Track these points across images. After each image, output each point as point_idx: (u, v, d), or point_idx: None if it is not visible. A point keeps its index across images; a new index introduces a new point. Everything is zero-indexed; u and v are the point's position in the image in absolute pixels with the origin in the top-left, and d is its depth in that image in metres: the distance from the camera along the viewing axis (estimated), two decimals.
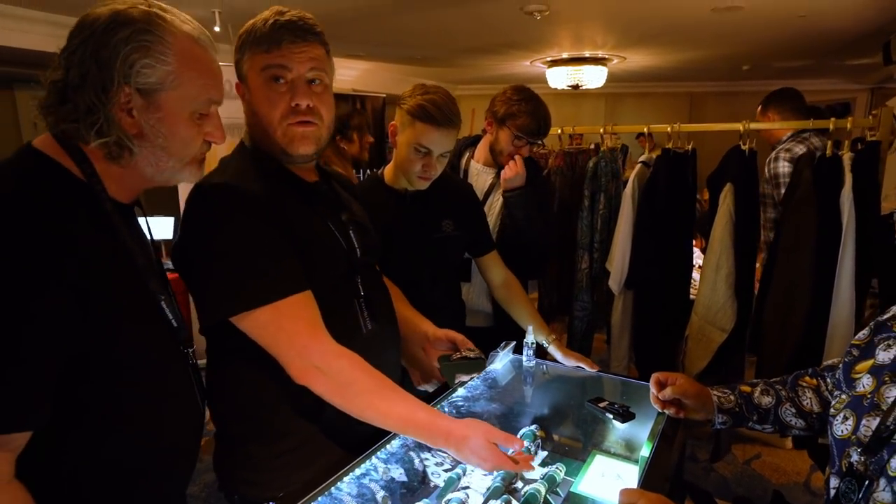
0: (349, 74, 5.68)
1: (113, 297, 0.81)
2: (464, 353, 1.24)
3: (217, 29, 3.23)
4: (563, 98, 6.44)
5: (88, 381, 0.81)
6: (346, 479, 1.02)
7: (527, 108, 1.77)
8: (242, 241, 0.96)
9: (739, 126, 2.01)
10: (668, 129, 2.10)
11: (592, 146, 2.57)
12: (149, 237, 0.97)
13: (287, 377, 0.98)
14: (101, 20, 0.79)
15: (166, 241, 4.18)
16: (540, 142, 1.83)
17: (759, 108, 2.58)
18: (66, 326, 0.75)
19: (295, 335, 0.96)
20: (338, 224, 1.13)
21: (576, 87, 5.41)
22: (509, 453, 0.98)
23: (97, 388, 0.82)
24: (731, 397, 1.19)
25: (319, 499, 0.96)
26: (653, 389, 1.25)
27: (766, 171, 2.35)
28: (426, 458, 1.16)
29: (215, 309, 0.97)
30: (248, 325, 0.96)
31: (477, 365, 1.25)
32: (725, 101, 6.78)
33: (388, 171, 1.56)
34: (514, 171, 1.79)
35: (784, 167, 2.27)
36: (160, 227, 4.01)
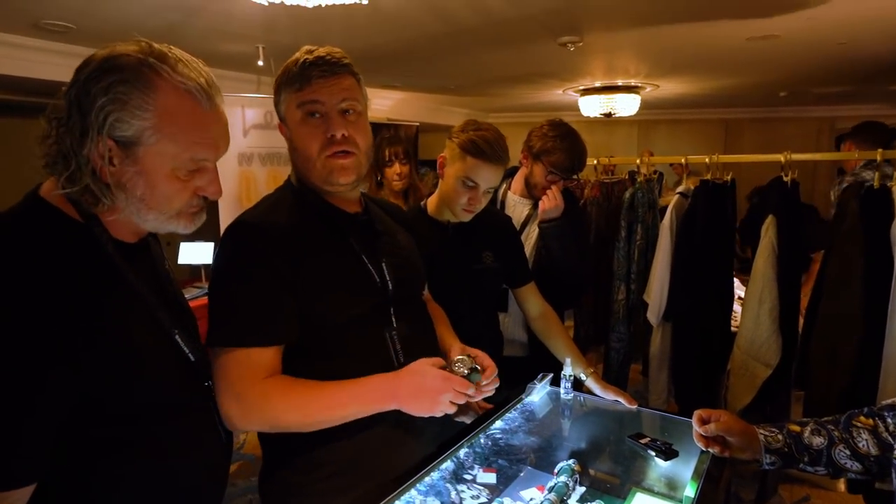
0: (384, 104, 5.82)
1: (120, 339, 0.80)
2: (453, 367, 1.13)
3: (261, 63, 3.39)
4: (596, 126, 6.44)
5: (105, 424, 0.80)
6: None
7: (562, 146, 1.80)
8: (231, 282, 1.02)
9: (781, 157, 1.98)
10: (707, 160, 2.08)
11: (627, 175, 2.57)
12: (168, 268, 1.01)
13: None
14: (92, 64, 0.77)
15: (206, 266, 4.33)
16: (574, 177, 1.85)
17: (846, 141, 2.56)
18: (63, 382, 0.74)
19: (236, 382, 0.97)
20: (372, 256, 1.13)
21: (608, 115, 5.41)
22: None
23: (114, 430, 0.81)
24: (780, 437, 1.14)
25: None
26: (696, 426, 1.22)
27: (832, 195, 2.32)
28: (462, 491, 1.15)
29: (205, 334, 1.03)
30: (213, 359, 0.99)
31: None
32: (762, 128, 6.67)
33: (431, 202, 1.60)
34: (552, 202, 1.81)
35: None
36: (200, 253, 4.14)
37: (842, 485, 2.59)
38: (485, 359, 1.16)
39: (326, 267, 1.07)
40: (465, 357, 1.13)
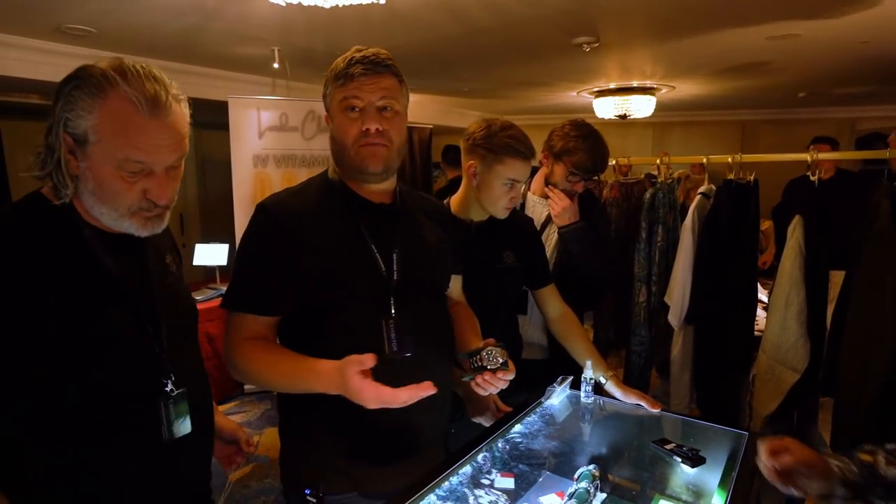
0: None
1: (79, 315, 0.90)
2: (483, 356, 1.16)
3: (276, 66, 3.41)
4: (610, 127, 6.38)
5: (65, 406, 0.90)
6: None
7: (584, 146, 1.78)
8: (241, 257, 1.18)
9: (807, 156, 1.93)
10: (729, 159, 2.04)
11: (644, 176, 2.52)
12: (171, 264, 1.11)
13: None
14: (72, 72, 0.91)
15: (221, 268, 4.35)
16: (595, 178, 1.82)
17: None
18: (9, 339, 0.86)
19: (230, 338, 1.16)
20: (383, 246, 1.18)
21: (623, 116, 5.36)
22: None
23: (73, 413, 0.91)
24: (853, 467, 1.03)
25: None
26: (766, 460, 1.07)
27: None
28: (480, 496, 1.13)
29: None
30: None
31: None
32: (780, 130, 6.57)
33: (454, 201, 1.59)
34: (559, 206, 1.79)
35: None
36: (215, 254, 4.16)
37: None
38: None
39: (332, 251, 1.14)
40: (495, 349, 1.15)
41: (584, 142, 1.78)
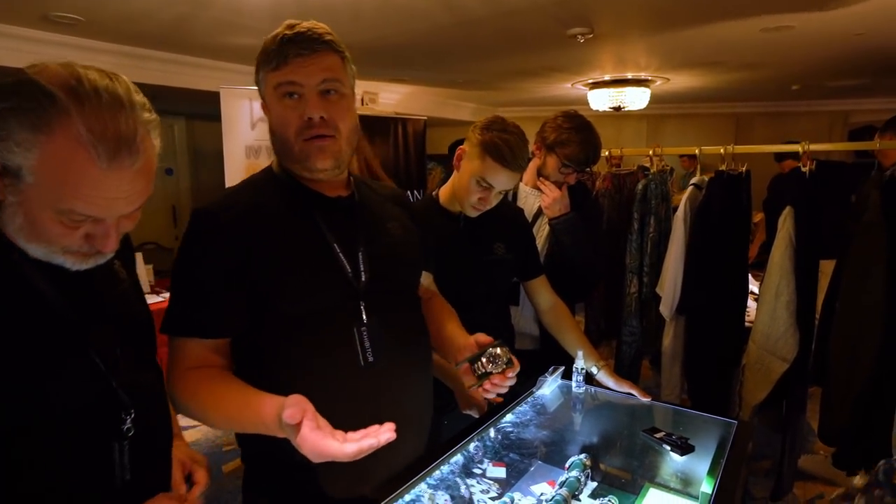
0: (392, 98, 5.80)
1: (10, 341, 0.72)
2: (486, 361, 1.05)
3: None
4: (605, 119, 6.37)
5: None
6: None
7: (577, 138, 1.77)
8: (178, 272, 1.01)
9: (798, 147, 1.93)
10: (721, 150, 2.04)
11: (637, 167, 2.52)
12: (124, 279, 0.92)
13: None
14: (11, 79, 0.69)
15: None
16: (588, 169, 1.82)
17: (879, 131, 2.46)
18: None
19: (169, 368, 1.00)
20: (346, 244, 1.04)
21: (618, 108, 5.36)
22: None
23: (12, 438, 0.72)
24: None
25: None
26: None
27: None
28: (472, 485, 1.14)
29: None
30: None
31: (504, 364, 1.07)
32: (773, 122, 6.58)
33: (443, 192, 1.58)
34: (550, 198, 1.78)
35: None
36: None
37: (858, 481, 2.55)
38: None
39: (287, 254, 1.00)
40: (497, 350, 1.04)
41: (577, 133, 1.77)
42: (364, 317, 1.02)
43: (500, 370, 1.02)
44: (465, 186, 1.46)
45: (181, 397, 0.97)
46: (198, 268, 0.99)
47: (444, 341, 1.19)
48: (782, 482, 2.09)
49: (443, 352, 1.22)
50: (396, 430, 0.94)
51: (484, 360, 1.03)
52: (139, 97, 0.74)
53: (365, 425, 0.93)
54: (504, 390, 1.04)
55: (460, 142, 1.54)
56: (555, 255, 1.83)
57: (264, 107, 1.05)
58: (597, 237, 1.92)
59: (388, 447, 0.98)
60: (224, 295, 0.98)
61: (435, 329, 1.22)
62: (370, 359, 1.02)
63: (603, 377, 1.53)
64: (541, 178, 1.84)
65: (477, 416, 1.41)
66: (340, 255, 1.03)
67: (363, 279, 1.04)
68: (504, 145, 1.39)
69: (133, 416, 0.81)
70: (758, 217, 2.93)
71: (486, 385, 1.01)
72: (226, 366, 1.01)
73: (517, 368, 1.03)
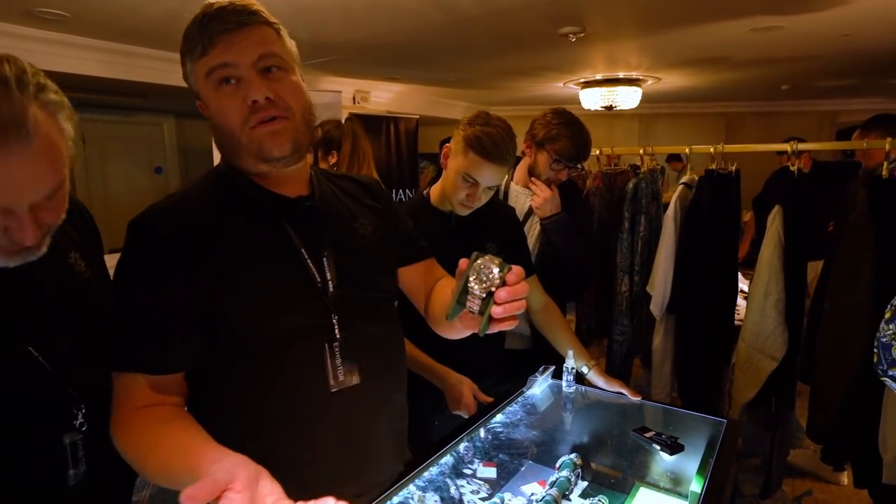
0: (384, 97, 5.77)
1: None
2: (475, 281, 0.75)
3: None
4: (596, 119, 6.39)
5: None
6: None
7: (567, 133, 1.76)
8: (119, 296, 0.86)
9: (787, 147, 1.94)
10: (711, 149, 2.05)
11: (629, 167, 2.53)
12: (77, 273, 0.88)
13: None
14: None
15: None
16: (579, 166, 1.81)
17: (858, 131, 2.48)
18: None
19: (114, 405, 0.84)
20: (312, 250, 0.92)
21: (609, 108, 5.37)
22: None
23: None
24: None
25: None
26: None
27: None
28: (462, 486, 1.13)
29: None
30: None
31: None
32: (763, 122, 6.63)
33: (433, 191, 1.57)
34: (541, 198, 1.77)
35: None
36: None
37: (845, 478, 2.57)
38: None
39: (246, 266, 0.87)
40: (481, 262, 0.74)
41: (567, 129, 1.76)
42: (337, 332, 0.91)
43: (499, 281, 0.72)
44: (452, 183, 1.44)
45: (119, 442, 0.81)
46: (136, 292, 0.84)
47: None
48: (772, 479, 2.10)
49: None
50: (367, 453, 0.93)
51: (472, 283, 0.74)
52: (37, 78, 0.70)
53: (335, 452, 0.91)
54: (521, 305, 0.73)
55: (450, 139, 1.53)
56: (546, 254, 1.83)
57: (201, 106, 0.90)
58: (588, 237, 1.92)
59: (362, 474, 0.95)
60: (170, 323, 0.83)
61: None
62: (341, 378, 0.91)
63: (593, 377, 1.53)
64: (532, 178, 1.84)
65: (467, 417, 1.40)
66: (308, 261, 0.91)
67: (331, 289, 0.92)
68: (487, 139, 1.36)
69: (85, 411, 0.80)
70: (747, 216, 2.95)
71: (497, 311, 0.72)
72: (181, 403, 0.87)
73: (519, 269, 0.74)
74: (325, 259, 0.93)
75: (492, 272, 0.72)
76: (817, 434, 2.08)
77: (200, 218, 0.87)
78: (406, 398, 1.10)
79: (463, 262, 0.75)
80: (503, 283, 0.72)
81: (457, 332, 0.95)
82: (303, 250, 0.91)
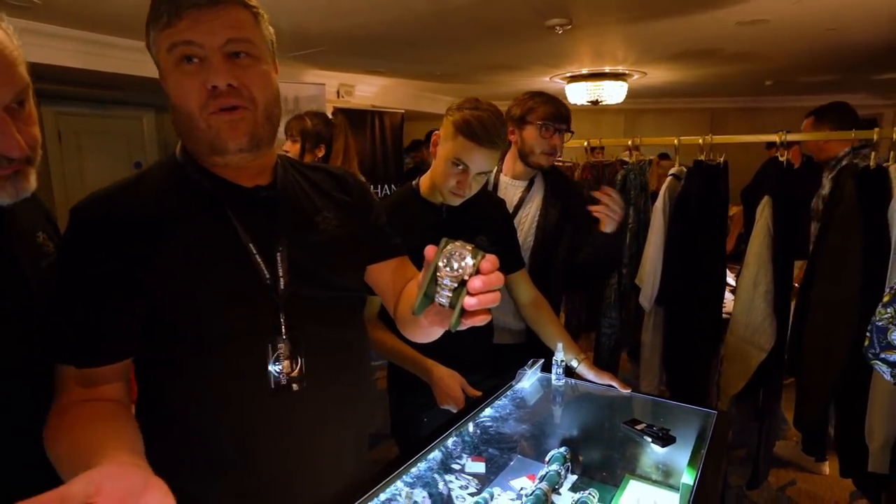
0: (369, 90, 5.71)
1: None
2: (445, 269, 0.66)
3: None
4: (582, 114, 6.39)
5: None
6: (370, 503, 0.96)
7: (542, 100, 1.76)
8: (61, 283, 0.81)
9: (776, 137, 1.94)
10: (700, 140, 2.04)
11: (616, 160, 2.52)
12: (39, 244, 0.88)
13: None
14: None
15: None
16: (566, 128, 1.78)
17: (811, 119, 2.48)
18: None
19: (54, 400, 0.80)
20: (263, 244, 0.87)
21: (595, 102, 5.37)
22: None
23: None
24: None
25: None
26: None
27: (825, 186, 2.24)
28: (451, 481, 1.10)
29: None
30: None
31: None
32: (747, 117, 6.70)
33: (423, 182, 1.53)
34: (618, 215, 1.60)
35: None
36: None
37: (827, 468, 2.60)
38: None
39: (188, 260, 0.82)
40: (450, 248, 0.66)
41: (541, 97, 1.76)
42: (283, 330, 0.85)
43: (472, 269, 0.64)
44: (442, 171, 1.40)
45: (45, 442, 0.75)
46: (67, 280, 0.80)
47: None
48: (759, 470, 2.11)
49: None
50: (316, 461, 0.88)
51: (442, 272, 0.65)
52: None
53: (277, 461, 0.86)
54: (496, 297, 0.65)
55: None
56: (539, 249, 1.80)
57: (161, 76, 0.84)
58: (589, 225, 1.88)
59: (307, 485, 0.90)
60: (100, 315, 0.79)
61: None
62: (283, 381, 0.85)
63: (583, 370, 1.51)
64: (603, 188, 1.69)
65: (455, 411, 1.37)
66: (256, 256, 0.86)
67: (282, 286, 0.87)
68: (476, 122, 1.33)
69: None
70: (734, 210, 2.95)
71: (470, 302, 0.63)
72: (120, 399, 0.82)
73: (493, 257, 0.65)
74: (277, 254, 0.87)
75: (464, 259, 0.64)
76: (803, 426, 2.10)
77: (144, 206, 0.83)
78: (368, 403, 1.04)
79: (430, 250, 0.67)
80: (477, 272, 0.64)
81: (423, 331, 0.91)
82: (251, 245, 0.86)
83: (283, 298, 0.86)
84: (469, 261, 0.64)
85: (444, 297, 0.66)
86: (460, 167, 1.37)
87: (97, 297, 0.79)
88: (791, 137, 1.93)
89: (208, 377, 0.84)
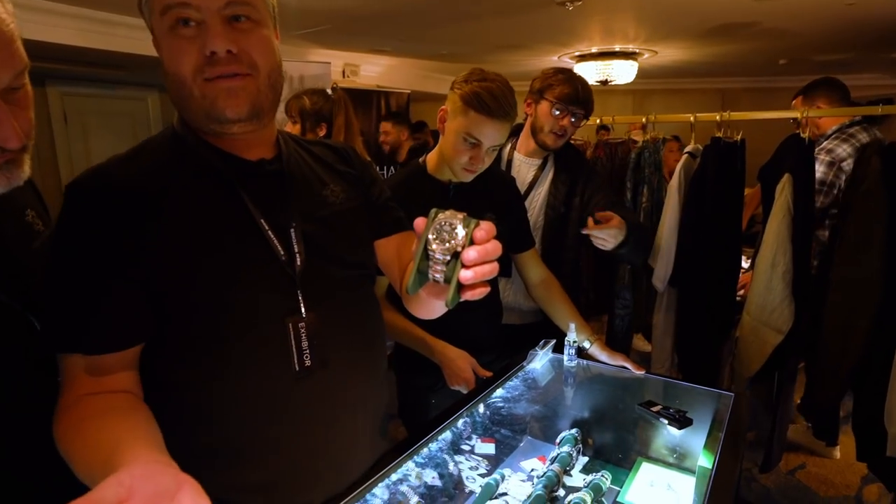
0: (374, 70, 5.64)
1: None
2: (436, 241, 0.61)
3: None
4: None
5: None
6: (380, 484, 0.95)
7: (563, 78, 1.69)
8: (53, 265, 0.76)
9: (798, 113, 1.87)
10: (717, 117, 1.98)
11: (629, 138, 2.45)
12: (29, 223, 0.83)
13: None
14: None
15: None
16: (581, 113, 1.72)
17: (800, 97, 2.41)
18: None
19: (62, 391, 0.75)
20: (276, 220, 0.83)
21: (605, 82, 5.28)
22: None
23: None
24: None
25: None
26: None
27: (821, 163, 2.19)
28: (460, 462, 1.08)
29: None
30: None
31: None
32: (759, 98, 6.56)
33: (430, 159, 1.48)
34: (612, 237, 1.50)
35: (821, 172, 2.10)
36: None
37: (837, 453, 2.57)
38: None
39: (197, 237, 0.77)
40: (441, 217, 0.62)
41: (562, 74, 1.71)
42: (303, 310, 0.82)
43: (465, 239, 0.60)
44: (452, 147, 1.35)
45: (56, 439, 0.71)
46: (68, 262, 0.74)
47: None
48: (772, 454, 2.08)
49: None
50: (337, 444, 0.85)
51: (433, 245, 0.61)
52: None
53: (300, 445, 0.82)
54: (494, 268, 0.61)
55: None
56: (549, 229, 1.76)
57: (155, 42, 0.79)
58: (607, 190, 1.83)
59: (331, 469, 0.87)
60: (105, 297, 0.74)
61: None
62: (307, 363, 0.82)
63: (596, 351, 1.48)
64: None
65: (465, 392, 1.35)
66: (269, 233, 0.81)
67: (298, 263, 0.83)
68: (486, 94, 1.27)
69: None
70: (746, 192, 2.90)
71: (466, 275, 0.59)
72: (133, 390, 0.77)
73: (489, 225, 0.61)
74: (292, 230, 0.83)
75: (455, 230, 0.60)
76: (815, 410, 2.07)
77: (145, 178, 0.78)
78: (384, 383, 1.01)
79: (419, 223, 0.61)
80: (471, 243, 0.60)
81: (425, 307, 0.86)
82: (263, 221, 0.81)
83: (301, 277, 0.82)
84: (461, 231, 0.60)
85: (438, 272, 0.62)
86: (472, 142, 1.32)
87: (100, 276, 0.73)
88: (813, 114, 1.86)
89: (225, 364, 0.78)
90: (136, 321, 0.75)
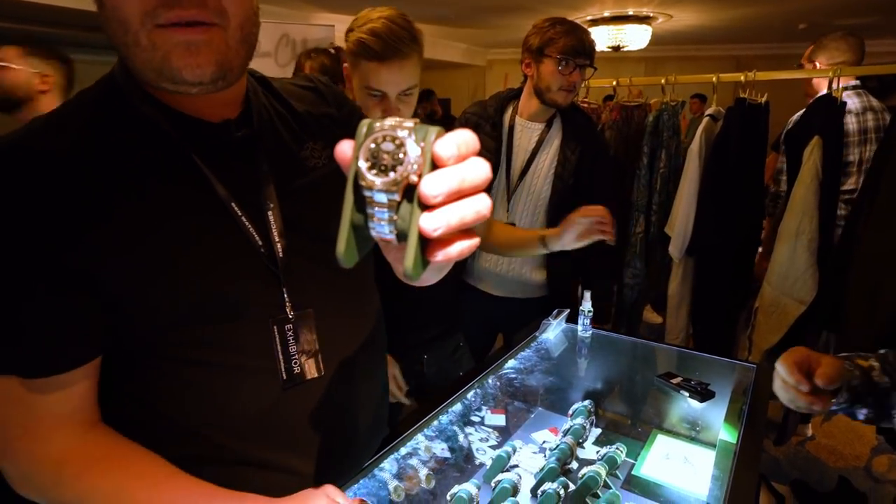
0: None
1: None
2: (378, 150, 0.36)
3: None
4: (600, 62, 5.99)
5: None
6: (389, 457, 0.91)
7: (564, 30, 1.55)
8: None
9: (829, 72, 1.77)
10: (742, 77, 1.87)
11: (645, 101, 2.34)
12: None
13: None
14: None
15: None
16: (588, 63, 1.60)
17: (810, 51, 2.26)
18: None
19: (5, 427, 0.62)
20: (248, 201, 0.67)
21: (617, 48, 5.10)
22: None
23: None
24: (857, 372, 0.88)
25: (361, 480, 0.85)
26: (794, 380, 0.84)
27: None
28: (470, 434, 1.05)
29: None
30: None
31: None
32: (776, 66, 6.29)
33: None
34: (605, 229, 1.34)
35: (852, 124, 1.95)
36: None
37: (809, 430, 2.54)
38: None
39: (151, 227, 0.61)
40: (382, 133, 0.36)
41: (562, 26, 1.56)
42: (289, 309, 0.69)
43: (421, 160, 0.35)
44: (363, 106, 1.18)
45: (56, 477, 0.61)
46: (13, 263, 0.58)
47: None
48: (787, 427, 2.05)
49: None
50: (337, 450, 0.74)
51: (367, 178, 0.36)
52: None
53: (281, 458, 0.71)
54: (479, 207, 0.36)
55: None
56: (557, 196, 1.67)
57: None
58: (609, 178, 1.73)
59: (328, 481, 0.73)
60: (46, 306, 0.59)
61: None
62: (296, 370, 0.69)
63: (552, 240, 1.35)
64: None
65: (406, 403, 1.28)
66: (242, 218, 0.66)
67: (279, 251, 0.68)
68: (370, 36, 1.10)
69: None
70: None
71: (427, 225, 0.35)
72: (96, 413, 0.65)
73: (465, 134, 0.36)
74: (269, 213, 0.67)
75: (403, 147, 0.35)
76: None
77: (79, 158, 0.59)
78: (385, 382, 0.92)
79: (345, 145, 0.38)
80: (433, 167, 0.35)
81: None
82: (233, 204, 0.65)
83: (283, 267, 0.68)
84: (412, 148, 0.35)
85: (380, 221, 0.36)
86: (376, 94, 1.16)
87: (34, 283, 0.58)
88: (847, 73, 1.76)
89: (202, 377, 0.66)
90: (87, 337, 0.61)
